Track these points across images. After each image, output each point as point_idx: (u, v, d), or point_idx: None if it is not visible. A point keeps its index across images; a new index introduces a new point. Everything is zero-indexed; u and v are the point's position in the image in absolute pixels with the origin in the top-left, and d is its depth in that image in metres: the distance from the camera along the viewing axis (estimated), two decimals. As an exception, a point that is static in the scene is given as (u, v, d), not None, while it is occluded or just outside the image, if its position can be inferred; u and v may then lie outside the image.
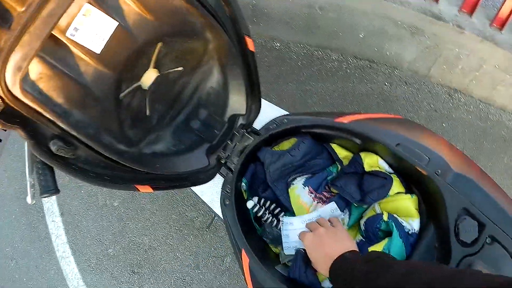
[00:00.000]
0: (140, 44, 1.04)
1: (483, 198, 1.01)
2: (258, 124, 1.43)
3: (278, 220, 1.22)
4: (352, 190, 1.16)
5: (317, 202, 1.23)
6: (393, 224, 1.06)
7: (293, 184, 1.27)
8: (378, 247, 1.06)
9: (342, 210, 1.19)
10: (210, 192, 1.76)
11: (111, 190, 2.64)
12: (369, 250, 1.06)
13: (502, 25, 2.22)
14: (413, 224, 1.08)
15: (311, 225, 1.09)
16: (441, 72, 2.44)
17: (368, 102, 2.48)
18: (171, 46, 1.15)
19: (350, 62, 2.59)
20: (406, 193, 1.13)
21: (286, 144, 1.34)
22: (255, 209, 1.22)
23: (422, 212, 1.11)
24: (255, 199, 1.24)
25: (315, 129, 1.27)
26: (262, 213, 1.22)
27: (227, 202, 1.22)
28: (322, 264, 0.96)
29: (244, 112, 1.39)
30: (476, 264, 0.95)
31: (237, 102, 1.38)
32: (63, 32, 0.87)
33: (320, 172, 1.30)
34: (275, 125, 1.30)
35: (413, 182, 1.15)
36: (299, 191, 1.25)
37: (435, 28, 2.25)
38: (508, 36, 2.25)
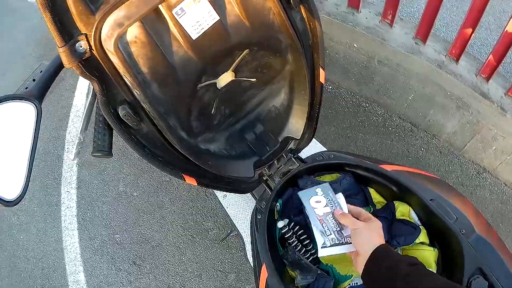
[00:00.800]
0: (231, 44, 1.08)
1: (497, 263, 1.08)
2: (303, 154, 1.49)
3: (303, 246, 1.22)
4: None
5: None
6: None
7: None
8: None
9: None
10: (235, 205, 1.82)
11: (135, 179, 2.65)
12: None
13: None
14: None
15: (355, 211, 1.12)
16: (475, 149, 2.53)
17: (401, 162, 2.54)
18: (255, 56, 1.20)
19: (393, 120, 2.69)
20: (429, 245, 1.17)
21: (328, 177, 1.36)
22: (284, 230, 1.21)
23: (439, 265, 1.15)
24: (286, 220, 1.25)
25: (358, 169, 1.31)
26: (289, 236, 1.21)
27: (259, 217, 1.26)
28: (363, 253, 0.97)
29: (298, 137, 1.43)
30: None
31: (294, 126, 1.43)
32: (170, 8, 0.91)
33: None
34: (321, 157, 1.37)
35: (437, 237, 1.19)
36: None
37: (480, 106, 2.35)
38: None
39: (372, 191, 1.34)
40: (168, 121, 1.07)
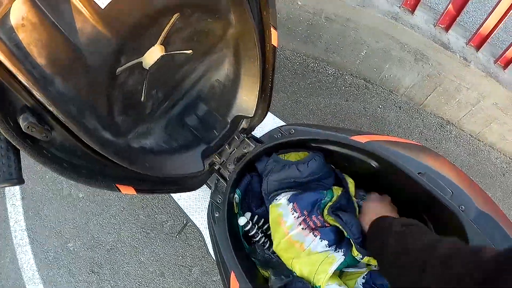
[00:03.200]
0: (155, 8, 0.80)
1: (504, 239, 0.93)
2: (257, 132, 1.23)
3: (271, 241, 1.04)
4: (355, 231, 0.97)
5: (303, 228, 1.00)
6: None
7: (276, 199, 1.06)
8: None
9: (332, 247, 0.99)
10: (187, 197, 1.54)
11: None
12: None
13: (506, 64, 2.08)
14: None
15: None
16: (437, 102, 2.28)
17: (359, 122, 2.28)
18: (188, 21, 0.93)
19: (346, 79, 2.38)
20: None
21: (293, 156, 1.16)
22: (247, 227, 1.04)
23: None
24: (248, 215, 1.07)
25: (327, 145, 1.11)
26: (255, 233, 1.05)
27: (217, 215, 1.03)
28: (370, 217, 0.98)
29: (251, 115, 1.18)
30: None
31: (244, 102, 1.17)
32: None
33: (311, 192, 1.08)
34: (280, 134, 1.12)
35: (432, 216, 1.06)
36: (282, 208, 1.03)
37: (441, 57, 2.07)
38: (509, 74, 2.12)
39: (347, 176, 1.15)
40: (84, 123, 0.80)
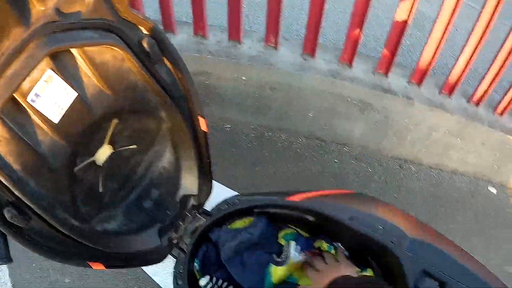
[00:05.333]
0: (96, 118, 0.96)
1: (441, 258, 1.01)
2: (209, 205, 1.34)
3: None
4: None
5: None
6: None
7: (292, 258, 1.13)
8: None
9: None
10: (163, 273, 1.67)
11: (63, 265, 2.14)
12: None
13: (451, 91, 2.22)
14: None
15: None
16: (391, 144, 2.36)
17: (320, 180, 2.27)
18: (127, 123, 1.08)
19: (300, 142, 2.41)
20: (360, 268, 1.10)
21: (239, 224, 1.25)
22: (208, 286, 1.12)
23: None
24: (207, 277, 1.14)
25: (268, 208, 1.21)
26: None
27: (180, 282, 1.14)
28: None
29: (195, 193, 1.32)
30: None
31: (188, 183, 1.33)
32: (25, 96, 0.77)
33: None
34: (226, 206, 1.24)
35: (372, 256, 1.12)
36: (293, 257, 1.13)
37: (385, 102, 2.17)
38: (458, 102, 2.24)
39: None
40: (55, 213, 0.94)
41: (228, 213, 1.20)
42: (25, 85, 0.76)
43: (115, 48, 0.87)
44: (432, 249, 1.03)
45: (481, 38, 2.00)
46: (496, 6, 1.86)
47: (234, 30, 2.25)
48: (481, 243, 2.25)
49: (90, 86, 0.90)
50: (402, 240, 1.02)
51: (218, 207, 1.27)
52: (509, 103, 2.29)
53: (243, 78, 2.27)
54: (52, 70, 0.79)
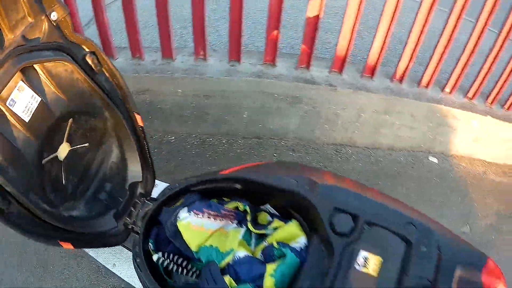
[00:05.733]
0: (56, 118, 1.19)
1: (352, 197, 1.14)
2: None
3: (184, 268, 1.23)
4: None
5: (221, 220, 1.27)
6: (283, 248, 1.15)
7: (179, 218, 1.25)
8: (273, 265, 1.12)
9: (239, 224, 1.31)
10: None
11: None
12: (267, 267, 1.13)
13: (372, 73, 2.35)
14: (301, 241, 1.16)
15: None
16: (324, 132, 2.50)
17: None
18: (79, 123, 1.32)
19: (239, 143, 2.57)
20: (285, 222, 1.23)
21: (179, 203, 1.36)
22: (161, 261, 1.22)
23: (306, 231, 1.21)
24: (159, 253, 1.23)
25: (201, 185, 1.35)
26: (168, 264, 1.21)
27: (138, 260, 1.24)
28: None
29: (140, 180, 1.53)
30: (360, 248, 1.03)
31: (134, 173, 1.53)
32: (4, 102, 1.01)
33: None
34: (168, 190, 1.37)
35: (293, 207, 1.26)
36: (189, 219, 1.24)
37: (310, 93, 2.31)
38: (381, 82, 2.38)
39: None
40: (29, 198, 1.13)
41: (169, 196, 1.35)
42: (4, 93, 1.00)
43: (65, 63, 1.15)
44: (342, 191, 1.16)
45: (392, 19, 2.15)
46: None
47: (166, 49, 2.44)
48: (428, 209, 2.35)
49: (50, 92, 1.15)
50: (314, 187, 1.15)
51: (162, 192, 1.39)
52: (432, 75, 2.40)
53: (179, 91, 2.45)
54: (23, 81, 1.06)
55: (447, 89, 2.50)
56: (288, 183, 1.18)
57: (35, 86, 1.11)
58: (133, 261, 1.28)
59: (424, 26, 2.18)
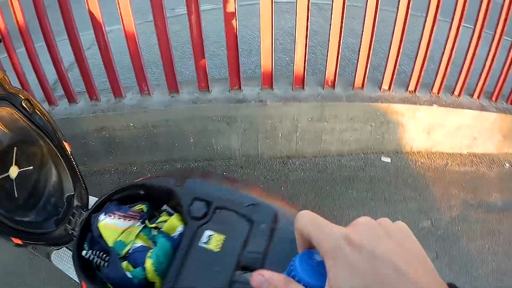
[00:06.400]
0: (3, 147, 1.49)
1: (211, 188, 1.39)
2: None
3: (105, 261, 1.40)
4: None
5: (123, 220, 1.46)
6: (158, 236, 1.33)
7: (99, 219, 1.47)
8: (152, 250, 1.30)
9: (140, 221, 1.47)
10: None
11: None
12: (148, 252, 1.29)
13: (302, 83, 2.40)
14: (179, 229, 1.33)
15: None
16: (268, 147, 2.54)
17: None
18: (23, 150, 1.59)
19: (192, 166, 2.70)
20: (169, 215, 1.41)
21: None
22: (88, 256, 1.41)
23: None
24: (87, 250, 1.45)
25: (116, 194, 1.58)
26: (93, 258, 1.41)
27: (74, 259, 1.45)
28: None
29: (72, 192, 1.77)
30: (208, 228, 1.22)
31: (68, 188, 1.77)
32: None
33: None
34: (96, 201, 1.60)
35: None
36: (106, 220, 1.46)
37: (243, 111, 2.41)
38: (313, 90, 2.41)
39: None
40: None
41: (96, 206, 1.56)
42: None
43: (7, 108, 1.47)
44: (202, 184, 1.39)
45: (306, 31, 2.20)
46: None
47: (116, 89, 2.65)
48: (383, 208, 2.35)
49: None
50: (183, 184, 1.38)
51: (93, 204, 1.65)
52: (364, 75, 2.38)
53: (131, 124, 2.64)
54: None
55: (385, 86, 2.45)
56: (164, 182, 1.42)
57: None
58: (72, 260, 1.50)
59: (341, 28, 2.18)
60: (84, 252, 1.45)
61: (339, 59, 2.32)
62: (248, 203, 1.26)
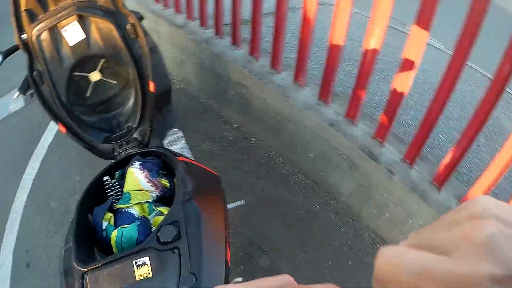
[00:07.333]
0: (91, 53, 1.60)
1: (194, 223, 1.23)
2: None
3: (114, 195, 1.46)
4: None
5: (151, 185, 1.47)
6: (144, 220, 1.31)
7: (133, 165, 1.50)
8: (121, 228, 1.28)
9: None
10: None
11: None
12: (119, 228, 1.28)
13: (441, 183, 1.96)
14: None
15: None
16: (371, 215, 2.20)
17: (291, 210, 2.37)
18: (109, 64, 1.68)
19: (298, 177, 2.53)
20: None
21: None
22: (107, 182, 1.49)
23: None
24: (107, 177, 1.52)
25: (163, 157, 1.60)
26: (110, 186, 1.48)
27: (95, 179, 1.52)
28: None
29: (135, 125, 1.80)
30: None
31: (134, 121, 1.81)
32: (61, 27, 1.51)
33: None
34: (150, 148, 1.67)
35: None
36: (136, 170, 1.48)
37: (368, 168, 2.09)
38: (445, 196, 1.97)
39: None
40: (56, 88, 1.60)
41: (143, 152, 1.63)
42: (63, 23, 1.50)
43: (109, 23, 1.53)
44: (196, 216, 1.27)
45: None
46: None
47: (276, 61, 2.51)
48: None
49: (93, 36, 1.57)
50: (188, 196, 1.32)
51: (148, 148, 1.74)
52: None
53: (268, 101, 2.52)
54: (77, 21, 1.52)
55: None
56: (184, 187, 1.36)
57: (84, 28, 1.54)
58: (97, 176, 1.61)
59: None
60: (107, 178, 1.50)
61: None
62: None
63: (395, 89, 1.91)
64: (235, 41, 2.75)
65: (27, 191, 2.87)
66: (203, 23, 3.00)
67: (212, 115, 3.10)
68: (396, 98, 1.92)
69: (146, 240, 1.16)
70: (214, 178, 1.59)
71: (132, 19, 1.57)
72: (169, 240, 1.13)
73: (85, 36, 1.55)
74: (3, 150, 3.19)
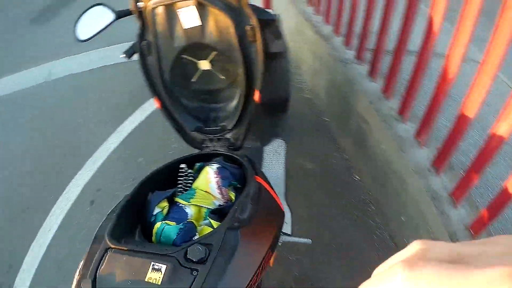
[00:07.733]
0: (203, 42, 1.58)
1: (227, 253, 1.15)
2: None
3: (183, 185, 1.49)
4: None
5: (216, 186, 1.45)
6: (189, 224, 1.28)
7: (211, 165, 1.54)
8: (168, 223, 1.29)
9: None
10: None
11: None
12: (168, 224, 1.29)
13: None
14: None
15: None
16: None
17: (360, 263, 2.26)
18: (219, 58, 1.65)
19: (383, 234, 2.38)
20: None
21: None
22: (184, 170, 1.51)
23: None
24: (186, 166, 1.55)
25: (253, 170, 1.54)
26: (184, 175, 1.51)
27: (171, 163, 1.58)
28: None
29: (229, 128, 1.81)
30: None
31: (229, 123, 1.80)
32: (178, 7, 1.49)
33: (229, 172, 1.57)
34: (244, 157, 1.64)
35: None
36: (211, 172, 1.49)
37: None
38: None
39: None
40: (160, 63, 1.66)
41: (230, 155, 1.64)
42: (181, 4, 1.47)
43: (228, 18, 1.48)
44: (233, 244, 1.19)
45: None
46: None
47: (405, 108, 2.36)
48: None
49: (209, 26, 1.52)
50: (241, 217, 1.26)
51: (246, 156, 1.68)
52: None
53: (382, 146, 2.43)
54: (195, 6, 1.48)
55: None
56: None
57: (202, 15, 1.51)
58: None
59: None
60: (184, 166, 1.52)
61: None
62: None
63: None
64: (372, 73, 2.63)
65: (121, 138, 3.01)
66: (347, 43, 2.91)
67: (327, 137, 3.01)
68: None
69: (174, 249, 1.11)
70: (277, 213, 1.49)
71: (253, 21, 1.51)
72: (194, 260, 1.07)
73: (201, 24, 1.52)
74: (123, 92, 3.42)
